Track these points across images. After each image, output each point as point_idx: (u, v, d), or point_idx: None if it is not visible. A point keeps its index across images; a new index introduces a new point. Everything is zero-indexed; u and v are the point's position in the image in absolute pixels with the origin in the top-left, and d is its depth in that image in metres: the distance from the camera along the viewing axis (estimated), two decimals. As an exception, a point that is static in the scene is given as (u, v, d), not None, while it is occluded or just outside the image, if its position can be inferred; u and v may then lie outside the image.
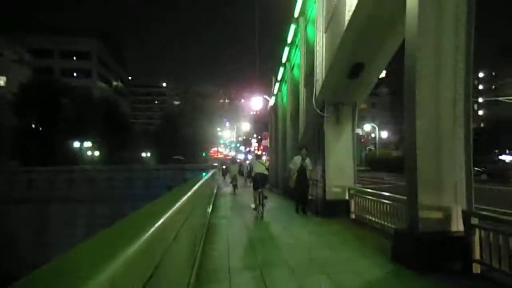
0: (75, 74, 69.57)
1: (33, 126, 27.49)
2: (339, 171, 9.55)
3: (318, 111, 9.48)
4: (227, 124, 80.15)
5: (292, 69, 13.59)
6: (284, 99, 15.21)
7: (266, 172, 10.16)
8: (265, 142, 27.50)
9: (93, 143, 32.61)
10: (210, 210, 10.47)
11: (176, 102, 47.87)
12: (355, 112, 9.62)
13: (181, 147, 40.92)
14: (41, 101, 27.02)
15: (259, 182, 9.68)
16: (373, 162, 45.88)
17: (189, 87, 45.35)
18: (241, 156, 55.18)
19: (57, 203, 18.94)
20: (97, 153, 36.62)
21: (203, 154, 50.40)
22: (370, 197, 8.01)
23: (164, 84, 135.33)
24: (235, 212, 11.06)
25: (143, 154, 48.61)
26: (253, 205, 9.72)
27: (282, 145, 15.67)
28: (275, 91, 16.26)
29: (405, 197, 5.82)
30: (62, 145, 28.08)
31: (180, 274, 2.84)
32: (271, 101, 19.83)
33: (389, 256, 5.46)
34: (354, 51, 8.16)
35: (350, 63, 8.41)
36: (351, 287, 4.41)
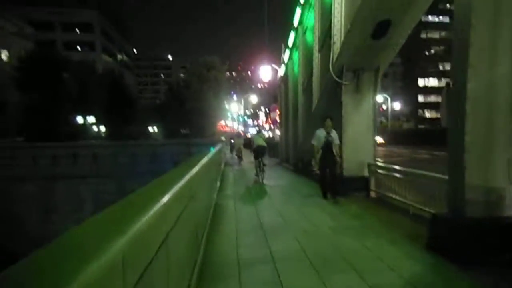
0: (78, 48, 68.46)
1: (36, 101, 26.78)
2: (358, 145, 8.64)
3: (335, 77, 8.43)
4: (235, 97, 78.66)
5: (305, 33, 12.33)
6: (296, 68, 14.06)
7: (264, 144, 11.56)
8: (274, 115, 26.52)
9: (97, 118, 31.89)
10: (218, 185, 9.79)
11: (182, 75, 45.96)
12: (377, 79, 8.54)
13: (188, 121, 39.93)
14: (43, 75, 26.10)
15: (258, 152, 11.35)
16: (384, 135, 44.66)
17: (195, 59, 43.62)
18: (252, 130, 54.84)
19: (62, 179, 18.56)
20: (103, 128, 36.07)
21: (212, 129, 49.54)
22: (396, 175, 7.12)
23: (170, 57, 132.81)
24: (241, 186, 10.42)
25: (150, 129, 48.01)
26: (254, 172, 11.53)
27: (293, 117, 14.70)
28: (286, 59, 15.05)
29: (443, 176, 4.93)
30: (65, 121, 27.46)
31: (184, 260, 2.68)
32: (281, 71, 18.63)
33: (424, 245, 4.66)
34: (380, 6, 6.98)
35: (374, 20, 7.24)
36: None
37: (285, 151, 17.07)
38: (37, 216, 17.52)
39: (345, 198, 8.08)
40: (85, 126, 29.80)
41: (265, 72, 20.70)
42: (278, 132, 32.63)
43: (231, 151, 22.45)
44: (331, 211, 7.02)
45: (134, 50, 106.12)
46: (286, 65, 15.49)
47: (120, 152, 21.00)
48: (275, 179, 11.89)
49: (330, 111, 9.41)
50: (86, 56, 58.08)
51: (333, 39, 8.41)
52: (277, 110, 27.22)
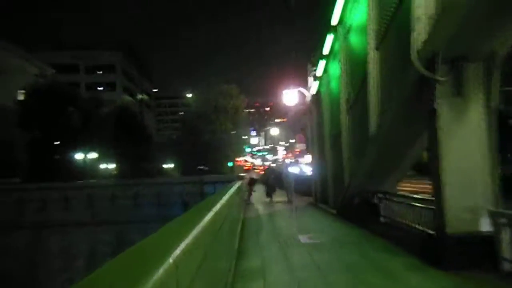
0: (100, 88, 69.43)
1: (36, 138, 24.82)
2: (466, 179, 5.24)
3: (423, 70, 5.21)
4: (253, 133, 76.26)
5: (348, 32, 9.36)
6: (334, 82, 11.01)
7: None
8: (301, 146, 23.23)
9: (104, 154, 29.40)
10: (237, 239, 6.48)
11: (195, 105, 43.04)
12: (492, 73, 5.27)
13: (204, 156, 36.67)
14: (45, 110, 24.37)
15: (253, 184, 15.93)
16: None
17: (212, 88, 40.00)
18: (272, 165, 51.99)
19: (51, 227, 15.62)
20: (112, 166, 33.61)
21: (230, 164, 46.06)
22: None
23: (190, 95, 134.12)
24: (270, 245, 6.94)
25: (165, 166, 45.39)
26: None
27: (333, 145, 11.43)
28: (319, 73, 12.07)
29: None
30: (63, 158, 25.10)
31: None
32: (311, 89, 15.70)
33: None
34: None
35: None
36: None
37: (321, 188, 13.60)
38: (21, 272, 14.41)
39: (456, 275, 4.57)
40: (85, 164, 27.20)
41: (290, 97, 17.71)
42: (304, 163, 29.08)
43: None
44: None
45: (154, 89, 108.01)
46: (320, 80, 12.46)
47: (120, 193, 18.01)
48: (315, 230, 8.43)
49: (405, 128, 6.11)
50: (106, 96, 57.94)
51: (415, 14, 5.30)
52: (304, 141, 24.03)
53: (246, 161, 69.42)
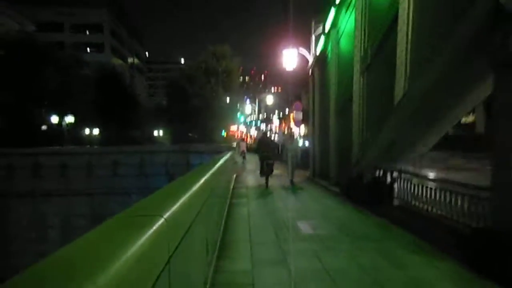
0: (88, 50, 66.15)
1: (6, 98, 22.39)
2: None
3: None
4: (248, 101, 73.86)
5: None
6: (344, 39, 9.16)
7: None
8: (298, 115, 21.47)
9: (85, 119, 27.10)
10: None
11: (185, 68, 38.49)
12: None
13: (194, 123, 34.30)
14: (17, 67, 21.79)
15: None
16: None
17: (202, 50, 35.94)
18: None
19: (21, 197, 14.05)
20: (97, 132, 31.42)
21: (222, 133, 44.12)
22: None
23: (183, 60, 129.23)
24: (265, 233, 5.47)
25: (156, 133, 43.41)
26: None
27: (339, 112, 9.78)
28: (327, 27, 10.15)
29: None
30: (40, 122, 22.85)
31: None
32: (312, 52, 13.81)
33: None
34: None
35: None
36: None
37: (321, 162, 12.11)
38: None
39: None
40: (62, 128, 24.93)
41: (290, 58, 15.70)
42: (297, 134, 27.49)
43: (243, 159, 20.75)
44: None
45: (146, 53, 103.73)
46: (327, 37, 10.55)
47: (97, 161, 16.19)
48: (318, 215, 6.97)
49: (449, 91, 4.46)
50: (94, 57, 54.76)
51: None
52: (301, 108, 22.29)
53: (240, 131, 67.73)
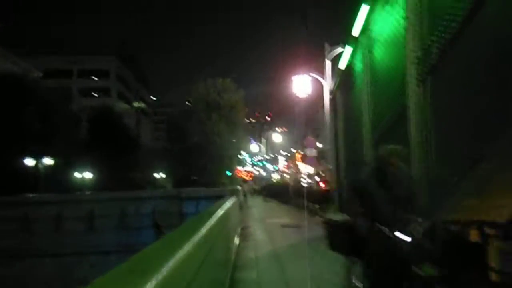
0: (95, 95, 66.86)
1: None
2: None
3: None
4: (253, 142, 72.13)
5: None
6: (379, 47, 6.91)
7: None
8: (311, 152, 19.00)
9: (73, 162, 24.53)
10: None
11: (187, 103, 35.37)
12: None
13: (195, 164, 31.38)
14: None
15: None
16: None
17: (202, 83, 32.47)
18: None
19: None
20: (89, 175, 28.80)
21: (228, 173, 40.85)
22: None
23: (188, 103, 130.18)
24: None
25: (156, 175, 40.89)
26: None
27: (377, 140, 7.26)
28: (356, 30, 7.98)
29: None
30: (13, 165, 20.16)
31: None
32: (327, 79, 11.65)
33: None
34: None
35: None
36: None
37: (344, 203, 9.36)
38: None
39: None
40: (38, 171, 22.08)
41: (301, 85, 13.61)
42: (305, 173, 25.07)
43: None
44: None
45: (153, 97, 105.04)
46: (355, 45, 8.35)
47: (69, 212, 13.25)
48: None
49: None
50: (100, 101, 54.38)
51: None
52: (313, 145, 19.87)
53: (247, 171, 65.17)
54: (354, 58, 8.58)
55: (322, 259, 6.65)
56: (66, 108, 26.22)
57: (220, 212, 4.16)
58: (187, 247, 1.62)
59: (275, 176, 58.76)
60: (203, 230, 2.41)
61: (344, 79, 9.23)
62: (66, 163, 23.77)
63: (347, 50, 8.42)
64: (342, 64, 8.74)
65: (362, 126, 7.92)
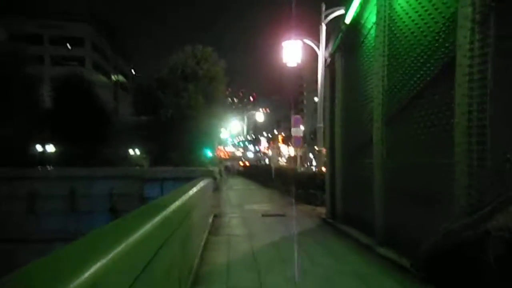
0: (68, 64, 62.43)
1: None
2: None
3: None
4: (235, 121, 70.06)
5: None
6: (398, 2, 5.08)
7: None
8: (296, 131, 17.48)
9: (31, 134, 21.83)
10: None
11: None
12: None
13: (168, 140, 28.73)
14: None
15: None
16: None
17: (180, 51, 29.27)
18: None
19: None
20: (52, 149, 26.06)
21: (208, 152, 37.96)
22: None
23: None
24: None
25: (132, 152, 38.12)
26: None
27: (391, 116, 5.56)
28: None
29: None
30: None
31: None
32: (323, 43, 9.79)
33: None
34: None
35: None
36: None
37: (349, 199, 7.82)
38: None
39: None
40: None
41: (292, 51, 11.67)
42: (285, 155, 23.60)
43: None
44: None
45: (133, 70, 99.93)
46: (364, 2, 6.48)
47: (9, 191, 10.92)
48: None
49: None
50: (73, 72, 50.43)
51: None
52: (300, 125, 18.23)
53: (227, 151, 63.39)
54: (365, 9, 6.73)
55: (315, 266, 4.98)
56: (21, 73, 23.04)
57: (183, 198, 3.22)
58: (112, 254, 1.20)
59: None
60: (148, 226, 1.76)
61: (348, 37, 7.38)
62: (22, 134, 20.94)
63: (354, 4, 6.53)
64: (348, 18, 6.88)
65: (373, 97, 6.17)
